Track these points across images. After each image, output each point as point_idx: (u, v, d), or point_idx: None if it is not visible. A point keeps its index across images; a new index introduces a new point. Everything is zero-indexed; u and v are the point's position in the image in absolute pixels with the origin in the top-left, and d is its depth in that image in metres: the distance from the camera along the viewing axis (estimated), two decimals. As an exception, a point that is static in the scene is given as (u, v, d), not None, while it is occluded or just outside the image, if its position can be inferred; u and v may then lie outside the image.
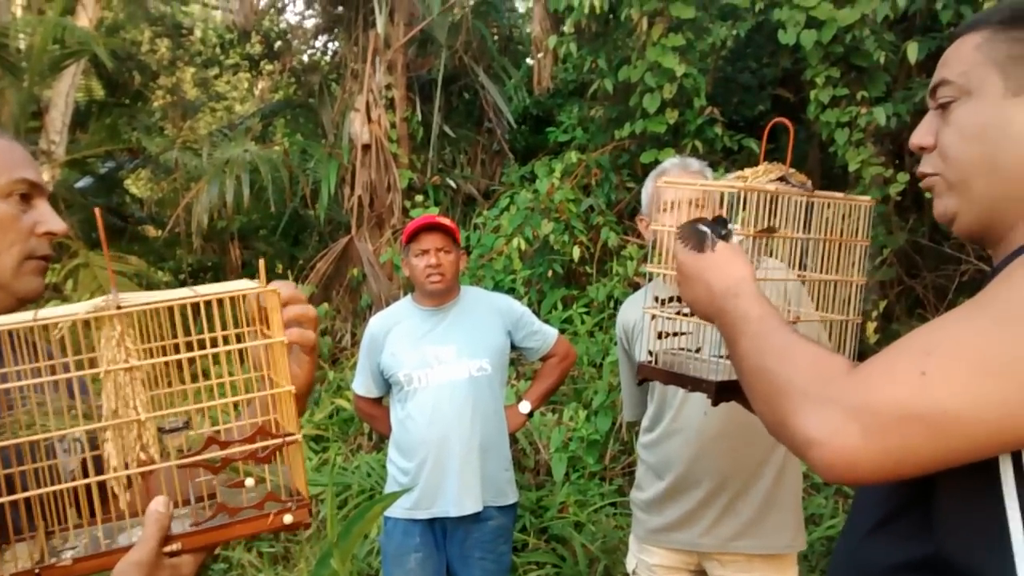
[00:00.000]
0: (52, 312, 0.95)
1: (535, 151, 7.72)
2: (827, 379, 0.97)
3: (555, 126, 7.18)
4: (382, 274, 7.06)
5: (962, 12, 4.90)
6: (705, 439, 2.46)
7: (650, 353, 1.58)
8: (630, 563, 2.75)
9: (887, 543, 1.05)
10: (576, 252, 5.94)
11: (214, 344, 1.03)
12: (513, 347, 3.35)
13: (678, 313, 1.53)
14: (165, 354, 1.02)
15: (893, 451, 0.90)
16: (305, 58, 9.76)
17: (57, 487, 0.99)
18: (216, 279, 9.12)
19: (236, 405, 1.06)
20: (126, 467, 0.98)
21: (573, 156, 6.30)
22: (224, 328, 1.03)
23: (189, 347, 1.01)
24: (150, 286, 7.61)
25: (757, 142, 5.98)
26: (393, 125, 7.38)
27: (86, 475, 1.00)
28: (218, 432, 1.03)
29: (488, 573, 3.21)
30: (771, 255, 1.50)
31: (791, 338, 1.10)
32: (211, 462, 1.01)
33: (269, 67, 10.40)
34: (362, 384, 3.32)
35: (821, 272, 1.53)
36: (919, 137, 1.15)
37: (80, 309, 0.96)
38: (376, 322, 3.31)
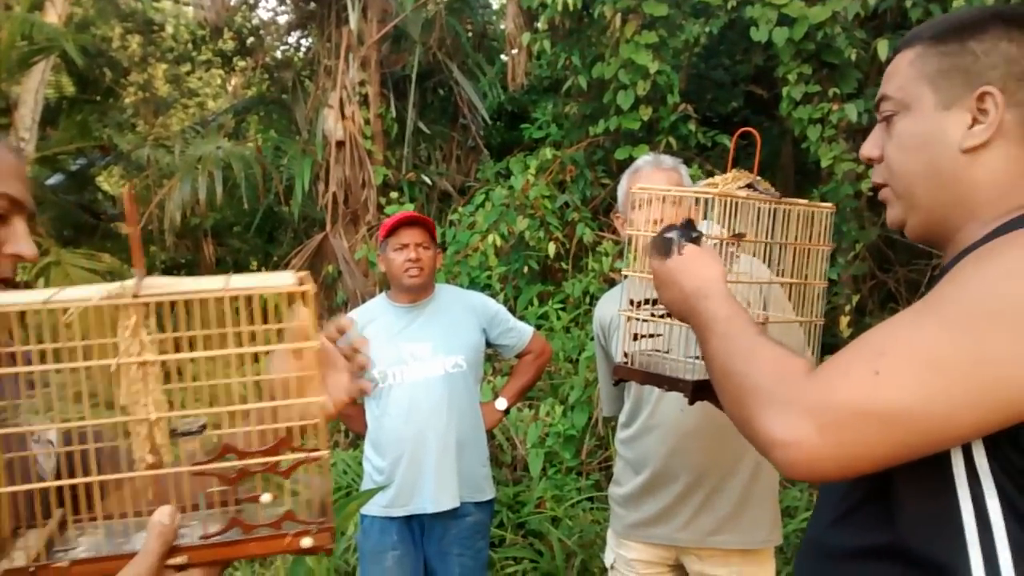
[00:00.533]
0: (65, 294, 0.89)
1: (510, 147, 7.73)
2: (788, 380, 1.02)
3: (530, 123, 7.19)
4: (357, 271, 7.04)
5: (931, 10, 4.96)
6: (681, 435, 2.48)
7: (625, 355, 1.61)
8: (608, 558, 2.77)
9: (850, 532, 1.10)
10: (552, 248, 5.96)
11: (239, 342, 0.92)
12: (489, 344, 3.36)
13: (652, 315, 1.57)
14: (191, 348, 0.93)
15: (849, 448, 0.96)
16: (278, 54, 9.70)
17: (90, 479, 0.93)
18: (191, 276, 9.05)
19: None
20: (130, 467, 0.92)
21: (548, 152, 6.31)
22: (249, 324, 0.93)
23: (214, 341, 0.93)
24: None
25: (730, 138, 6.01)
26: (367, 121, 7.36)
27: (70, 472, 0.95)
28: (232, 439, 0.94)
29: (466, 569, 3.22)
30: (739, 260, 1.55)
31: (756, 340, 1.14)
32: (225, 472, 0.94)
33: (242, 63, 10.34)
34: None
35: (787, 276, 1.60)
36: (867, 150, 1.24)
37: (96, 293, 0.89)
38: (353, 317, 3.29)
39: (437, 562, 3.23)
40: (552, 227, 6.03)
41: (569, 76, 6.22)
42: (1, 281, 1.19)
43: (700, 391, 1.46)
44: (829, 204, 1.60)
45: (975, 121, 1.12)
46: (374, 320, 3.25)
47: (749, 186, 1.50)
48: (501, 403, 3.41)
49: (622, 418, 2.69)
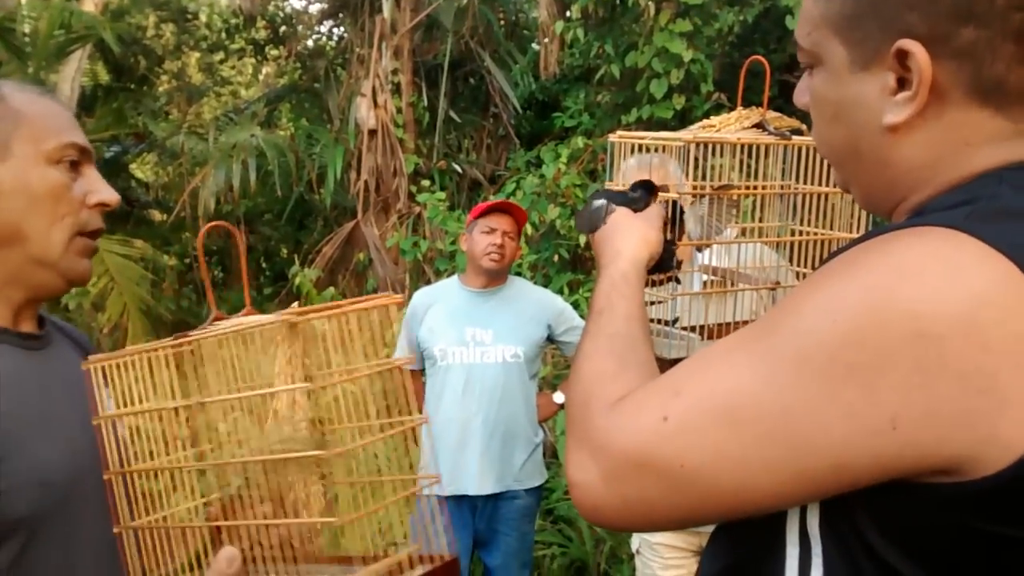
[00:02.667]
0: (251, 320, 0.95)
1: (540, 137, 7.73)
2: (589, 409, 0.86)
3: (561, 111, 7.19)
4: (388, 258, 7.08)
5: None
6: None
7: None
8: (634, 543, 2.78)
9: (710, 554, 0.95)
10: (583, 237, 5.96)
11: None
12: (552, 341, 3.40)
13: (652, 283, 1.35)
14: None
15: (632, 502, 0.80)
16: (311, 43, 9.77)
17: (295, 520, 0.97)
18: (221, 263, 9.17)
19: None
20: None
21: (579, 141, 6.31)
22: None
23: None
24: (155, 270, 7.64)
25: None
26: (399, 110, 7.39)
27: None
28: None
29: (511, 549, 3.29)
30: (742, 214, 1.36)
31: (596, 347, 0.98)
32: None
33: (275, 52, 10.41)
34: (400, 355, 3.36)
35: (810, 228, 1.35)
36: (797, 97, 0.94)
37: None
38: (419, 296, 3.39)
39: (486, 539, 3.31)
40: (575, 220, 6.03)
41: (602, 65, 6.21)
42: (93, 234, 1.16)
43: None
44: None
45: (901, 83, 0.80)
46: (442, 300, 3.32)
47: (758, 125, 1.28)
48: (559, 397, 3.47)
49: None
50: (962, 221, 0.72)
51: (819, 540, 0.78)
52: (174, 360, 1.00)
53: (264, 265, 9.29)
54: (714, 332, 1.36)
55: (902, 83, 0.80)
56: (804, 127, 1.26)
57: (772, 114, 1.28)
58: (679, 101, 5.68)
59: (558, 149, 6.47)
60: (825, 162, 1.27)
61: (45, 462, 1.06)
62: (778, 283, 1.40)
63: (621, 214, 1.18)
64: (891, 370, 0.69)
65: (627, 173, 1.59)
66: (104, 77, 10.22)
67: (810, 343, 0.73)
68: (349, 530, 0.96)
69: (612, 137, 1.36)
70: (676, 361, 1.21)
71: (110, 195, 1.16)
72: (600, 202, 1.20)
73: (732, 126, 1.26)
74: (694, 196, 1.30)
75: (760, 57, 1.35)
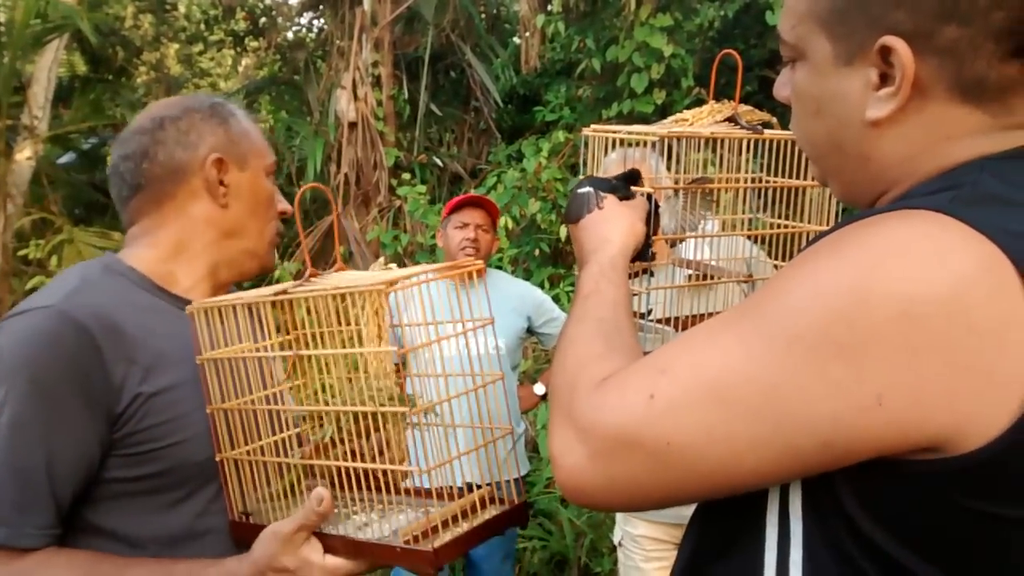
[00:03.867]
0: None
1: (522, 131, 7.72)
2: (577, 389, 0.86)
3: (542, 106, 7.19)
4: (368, 252, 7.05)
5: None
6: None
7: None
8: (616, 535, 2.79)
9: (690, 535, 0.95)
10: (563, 231, 5.96)
11: None
12: (531, 332, 3.41)
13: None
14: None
15: (618, 480, 0.80)
16: (290, 35, 9.70)
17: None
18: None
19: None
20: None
21: (560, 135, 6.32)
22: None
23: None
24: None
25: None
26: (380, 103, 7.35)
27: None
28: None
29: (493, 541, 3.26)
30: (718, 207, 1.36)
31: (582, 330, 0.98)
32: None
33: (254, 44, 10.33)
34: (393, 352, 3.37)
35: (782, 220, 1.36)
36: (778, 90, 0.96)
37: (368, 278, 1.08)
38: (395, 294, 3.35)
39: None
40: (564, 210, 6.03)
41: (583, 59, 6.22)
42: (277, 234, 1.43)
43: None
44: None
45: (884, 78, 0.81)
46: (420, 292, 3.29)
47: (730, 119, 1.27)
48: (539, 388, 3.49)
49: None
50: (947, 204, 0.74)
51: (800, 519, 0.79)
52: (272, 310, 1.16)
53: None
54: (687, 324, 1.37)
55: (884, 79, 0.81)
56: (775, 121, 1.29)
57: (744, 108, 1.30)
58: (660, 96, 5.70)
59: (539, 143, 6.47)
60: (799, 155, 1.29)
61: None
62: (751, 276, 1.41)
63: (611, 202, 1.18)
64: (877, 348, 0.70)
65: (608, 168, 1.59)
66: (81, 68, 10.11)
67: (797, 322, 0.74)
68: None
69: (586, 131, 1.37)
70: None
71: (286, 206, 1.41)
72: (586, 189, 1.19)
73: (704, 120, 1.27)
74: (674, 190, 1.30)
75: (733, 51, 1.35)
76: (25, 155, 7.54)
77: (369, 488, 1.14)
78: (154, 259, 1.33)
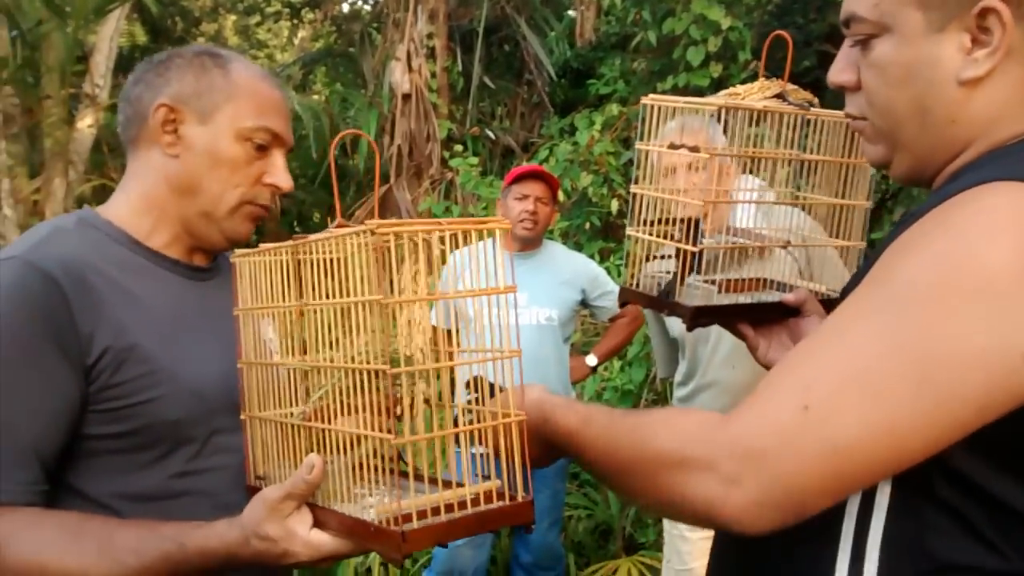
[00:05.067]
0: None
1: (574, 105, 7.68)
2: (703, 439, 0.88)
3: (596, 79, 7.14)
4: (419, 223, 7.10)
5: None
6: (735, 392, 2.49)
7: (631, 276, 1.49)
8: (663, 506, 2.80)
9: None
10: (615, 205, 5.94)
11: None
12: (585, 305, 3.43)
13: (664, 236, 1.42)
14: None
15: (795, 494, 0.83)
16: (346, 7, 9.75)
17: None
18: (257, 227, 9.21)
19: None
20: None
21: (614, 109, 6.27)
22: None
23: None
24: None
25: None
26: (433, 75, 7.38)
27: None
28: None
29: (542, 507, 3.31)
30: (772, 180, 1.42)
31: (637, 419, 1.00)
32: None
33: (310, 15, 10.40)
34: (435, 315, 3.41)
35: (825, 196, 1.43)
36: (837, 74, 1.02)
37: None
38: (455, 257, 3.38)
39: None
40: (616, 184, 6.01)
41: (638, 31, 6.16)
42: (261, 207, 1.32)
43: (700, 316, 1.35)
44: None
45: (975, 43, 0.89)
46: (474, 260, 3.31)
47: (779, 96, 1.33)
48: (591, 359, 3.52)
49: (678, 377, 2.71)
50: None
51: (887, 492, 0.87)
52: (293, 263, 1.08)
53: (297, 229, 9.34)
54: (732, 287, 1.44)
55: (974, 43, 0.89)
56: (816, 100, 1.35)
57: (791, 86, 1.36)
58: (716, 69, 5.63)
59: (592, 116, 6.43)
60: (845, 135, 1.36)
61: (197, 375, 1.23)
62: (788, 242, 1.45)
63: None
64: (1011, 311, 0.77)
65: (668, 135, 1.64)
66: (142, 38, 10.28)
67: (930, 303, 0.80)
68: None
69: (645, 100, 1.40)
70: (700, 307, 1.34)
71: (284, 181, 1.31)
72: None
73: (755, 95, 1.33)
74: (742, 158, 1.35)
75: (784, 33, 1.42)
76: (87, 123, 7.69)
77: (384, 469, 1.07)
78: (128, 212, 1.29)
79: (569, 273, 3.36)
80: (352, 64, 8.83)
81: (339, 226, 1.05)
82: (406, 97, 7.25)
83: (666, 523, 2.78)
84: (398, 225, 0.96)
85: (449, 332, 3.39)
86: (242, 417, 1.18)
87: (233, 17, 11.70)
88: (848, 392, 0.81)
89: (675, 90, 5.92)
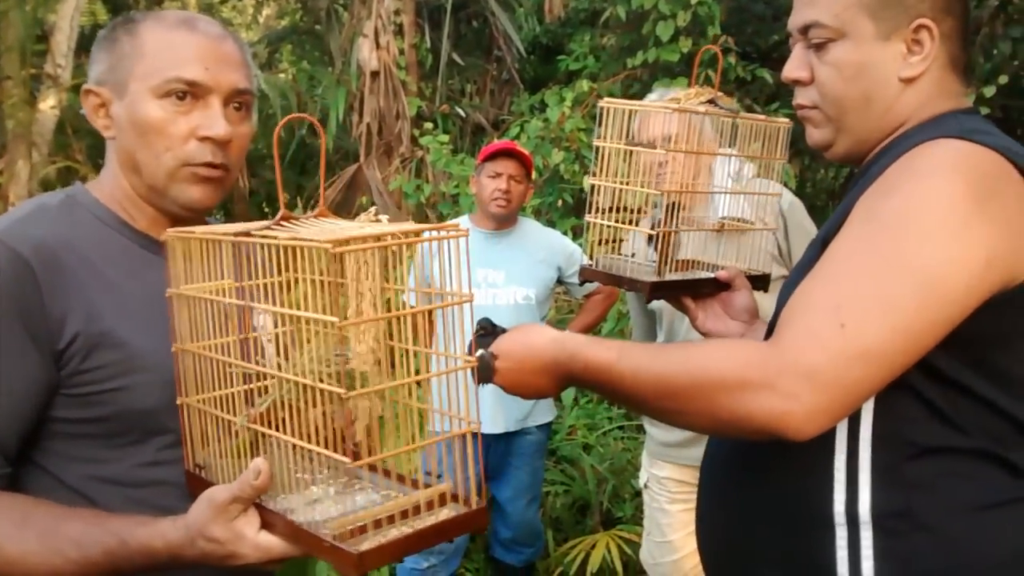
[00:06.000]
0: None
1: (544, 81, 7.66)
2: (759, 363, 1.04)
3: (566, 55, 7.12)
4: (391, 202, 7.06)
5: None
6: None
7: (591, 258, 1.68)
8: (642, 478, 2.82)
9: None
10: (586, 182, 5.93)
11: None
12: (560, 282, 3.43)
13: (617, 221, 1.64)
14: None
15: (849, 395, 1.03)
16: (312, -17, 9.62)
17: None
18: (224, 208, 9.14)
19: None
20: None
21: (584, 85, 6.26)
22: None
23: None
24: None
25: (770, 72, 5.94)
26: (401, 52, 7.31)
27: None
28: None
29: (521, 484, 3.37)
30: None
31: (685, 349, 1.17)
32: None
33: (275, -7, 10.26)
34: (412, 296, 3.39)
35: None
36: (793, 71, 1.26)
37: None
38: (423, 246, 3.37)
39: (497, 472, 3.37)
40: (587, 160, 6.01)
41: (607, 7, 6.14)
42: (205, 165, 1.22)
43: (657, 290, 1.55)
44: (786, 120, 1.65)
45: (909, 51, 1.19)
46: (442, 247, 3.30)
47: (711, 101, 1.54)
48: None
49: (655, 350, 2.73)
50: (958, 134, 1.11)
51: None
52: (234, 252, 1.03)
53: (266, 209, 9.26)
54: (676, 266, 1.65)
55: (909, 50, 1.19)
56: (739, 106, 1.61)
57: (719, 94, 1.59)
58: (685, 44, 5.63)
59: (562, 93, 6.41)
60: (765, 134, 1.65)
61: (171, 363, 1.14)
62: (723, 225, 1.71)
63: (510, 344, 1.29)
64: (971, 228, 1.03)
65: (647, 115, 1.79)
66: (103, 16, 10.09)
67: (913, 229, 1.04)
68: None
69: (601, 102, 1.59)
70: (657, 282, 1.54)
71: (217, 130, 1.20)
72: (482, 353, 1.29)
73: (692, 101, 1.54)
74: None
75: (715, 47, 1.70)
76: (49, 104, 7.57)
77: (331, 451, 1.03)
78: (110, 191, 1.26)
79: (545, 251, 3.36)
80: (319, 42, 8.74)
81: (283, 219, 1.01)
82: (374, 75, 7.18)
83: (646, 496, 2.80)
84: (353, 240, 0.90)
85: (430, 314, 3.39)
86: (178, 402, 1.13)
87: (196, -5, 11.51)
88: (872, 308, 1.02)
89: (644, 65, 5.93)
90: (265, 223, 1.01)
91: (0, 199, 6.91)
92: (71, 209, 1.23)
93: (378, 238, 0.93)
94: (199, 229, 1.07)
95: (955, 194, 1.04)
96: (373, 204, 7.10)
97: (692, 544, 2.70)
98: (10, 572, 1.08)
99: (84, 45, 8.66)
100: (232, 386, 1.07)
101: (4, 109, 7.21)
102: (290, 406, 0.98)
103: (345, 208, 7.44)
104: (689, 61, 5.83)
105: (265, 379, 1.04)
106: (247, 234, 0.99)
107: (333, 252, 0.87)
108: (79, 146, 7.74)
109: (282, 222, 1.01)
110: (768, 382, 1.02)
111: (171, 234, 1.10)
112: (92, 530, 1.08)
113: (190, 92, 1.20)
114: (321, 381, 0.93)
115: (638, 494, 3.39)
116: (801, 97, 1.27)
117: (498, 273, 3.25)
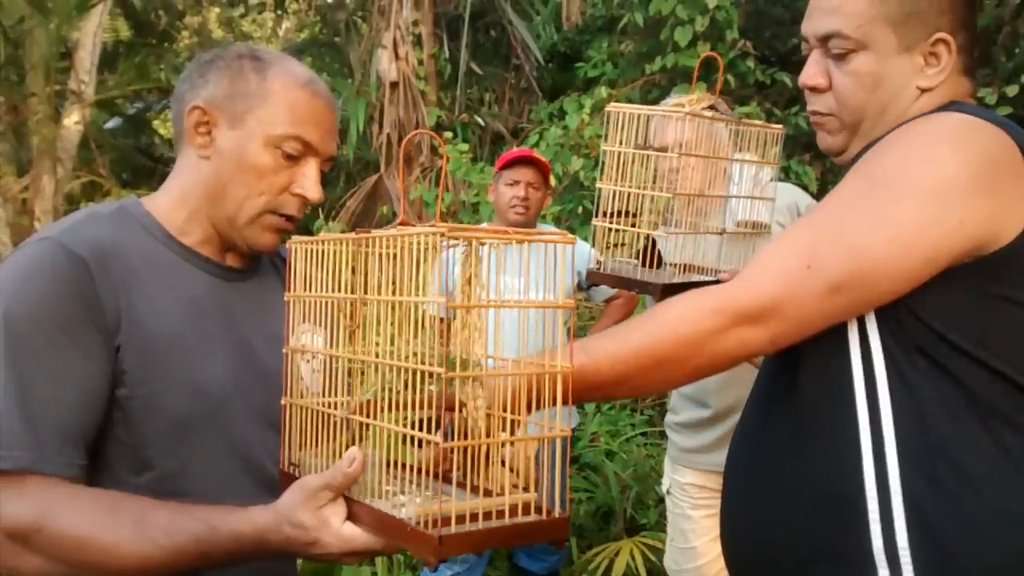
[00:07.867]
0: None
1: (563, 89, 7.66)
2: (724, 305, 1.16)
3: (584, 62, 7.12)
4: (411, 211, 7.09)
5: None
6: (733, 368, 2.50)
7: (599, 262, 1.71)
8: (664, 484, 2.81)
9: (764, 410, 1.36)
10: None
11: None
12: (581, 288, 3.41)
13: (632, 225, 1.68)
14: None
15: (806, 325, 1.15)
16: (330, -4, 9.69)
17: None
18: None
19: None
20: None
21: (603, 91, 6.26)
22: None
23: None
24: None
25: (790, 76, 5.92)
26: (420, 62, 7.34)
27: None
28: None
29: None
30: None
31: (648, 321, 1.25)
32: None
33: (294, 5, 10.34)
34: (433, 304, 3.41)
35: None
36: (811, 78, 1.28)
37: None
38: (448, 252, 3.39)
39: None
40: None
41: (625, 13, 6.14)
42: (286, 217, 1.29)
43: (668, 293, 1.55)
44: (779, 126, 1.71)
45: (927, 63, 1.23)
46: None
47: (711, 107, 1.58)
48: None
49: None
50: (958, 111, 1.18)
51: (877, 333, 1.15)
52: (352, 255, 1.08)
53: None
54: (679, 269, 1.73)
55: (926, 62, 1.24)
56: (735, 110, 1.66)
57: (719, 99, 1.65)
58: (703, 49, 5.61)
59: (581, 100, 6.42)
60: (757, 138, 1.72)
61: (199, 376, 1.22)
62: (724, 230, 1.75)
63: None
64: (949, 191, 1.09)
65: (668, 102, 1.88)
66: (125, 33, 10.21)
67: (896, 182, 1.12)
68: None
69: (608, 107, 1.64)
70: (669, 285, 1.59)
71: (313, 192, 1.28)
72: None
73: (694, 106, 1.59)
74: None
75: (716, 53, 1.83)
76: (73, 120, 7.66)
77: (420, 470, 1.09)
78: (167, 206, 1.31)
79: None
80: (338, 54, 8.80)
81: (402, 223, 1.07)
82: (394, 85, 7.22)
83: (668, 502, 2.79)
84: (467, 231, 1.00)
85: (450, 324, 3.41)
86: (282, 402, 1.17)
87: (217, 9, 11.63)
88: (840, 251, 1.10)
89: (663, 71, 5.92)
90: (387, 227, 1.07)
91: (26, 214, 6.99)
92: (123, 217, 1.27)
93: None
94: (325, 236, 1.12)
95: (944, 157, 1.11)
96: (394, 214, 7.14)
97: (716, 550, 2.68)
98: (103, 560, 1.09)
99: (107, 61, 8.78)
100: (334, 387, 1.11)
101: (29, 125, 7.30)
102: (389, 399, 1.03)
103: (367, 218, 7.48)
104: (708, 65, 5.82)
105: (360, 374, 1.08)
106: (368, 233, 1.05)
107: (446, 236, 0.99)
108: (103, 161, 7.82)
109: (401, 226, 1.08)
110: (739, 316, 1.14)
111: (296, 241, 1.17)
112: (180, 517, 1.10)
113: (302, 152, 1.27)
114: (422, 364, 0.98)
115: (662, 500, 3.37)
116: (817, 104, 1.30)
117: (518, 280, 3.26)
